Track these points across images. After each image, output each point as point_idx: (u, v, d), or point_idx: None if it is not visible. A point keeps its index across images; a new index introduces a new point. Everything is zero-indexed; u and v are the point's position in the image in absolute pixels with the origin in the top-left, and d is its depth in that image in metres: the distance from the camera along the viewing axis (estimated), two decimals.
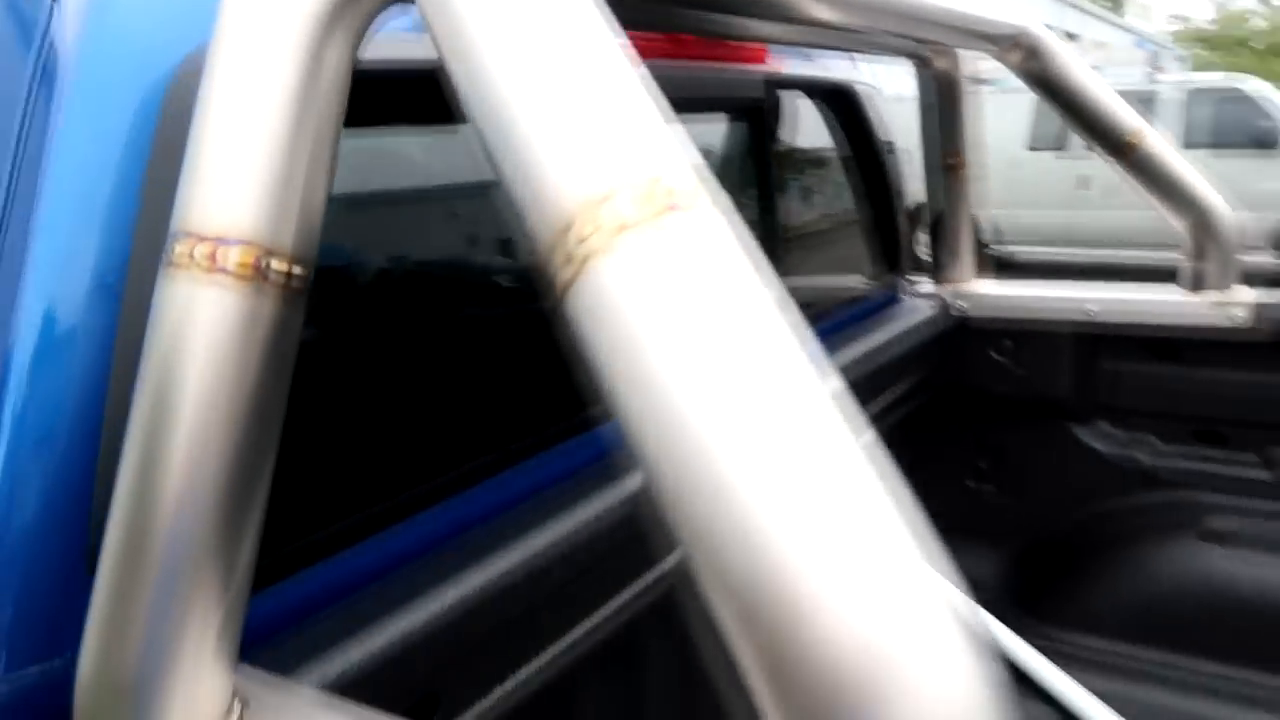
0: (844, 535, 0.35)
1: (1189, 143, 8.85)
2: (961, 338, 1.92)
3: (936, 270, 1.99)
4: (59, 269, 0.64)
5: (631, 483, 0.99)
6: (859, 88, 1.84)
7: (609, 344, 0.39)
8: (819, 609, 0.35)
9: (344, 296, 0.92)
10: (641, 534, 0.71)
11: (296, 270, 0.57)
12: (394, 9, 0.60)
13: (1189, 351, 1.78)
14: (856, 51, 1.72)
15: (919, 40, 1.60)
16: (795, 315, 0.40)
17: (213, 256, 0.55)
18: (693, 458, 0.37)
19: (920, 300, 1.93)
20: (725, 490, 0.36)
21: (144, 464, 0.56)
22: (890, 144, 1.91)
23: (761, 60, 1.48)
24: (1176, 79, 9.22)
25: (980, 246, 2.07)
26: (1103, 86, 1.62)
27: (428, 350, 1.00)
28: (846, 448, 0.37)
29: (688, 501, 0.37)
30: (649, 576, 1.06)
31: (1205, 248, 1.71)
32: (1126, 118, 1.61)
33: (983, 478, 1.99)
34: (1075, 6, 26.33)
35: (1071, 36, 25.95)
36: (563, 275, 0.41)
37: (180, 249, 0.55)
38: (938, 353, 1.87)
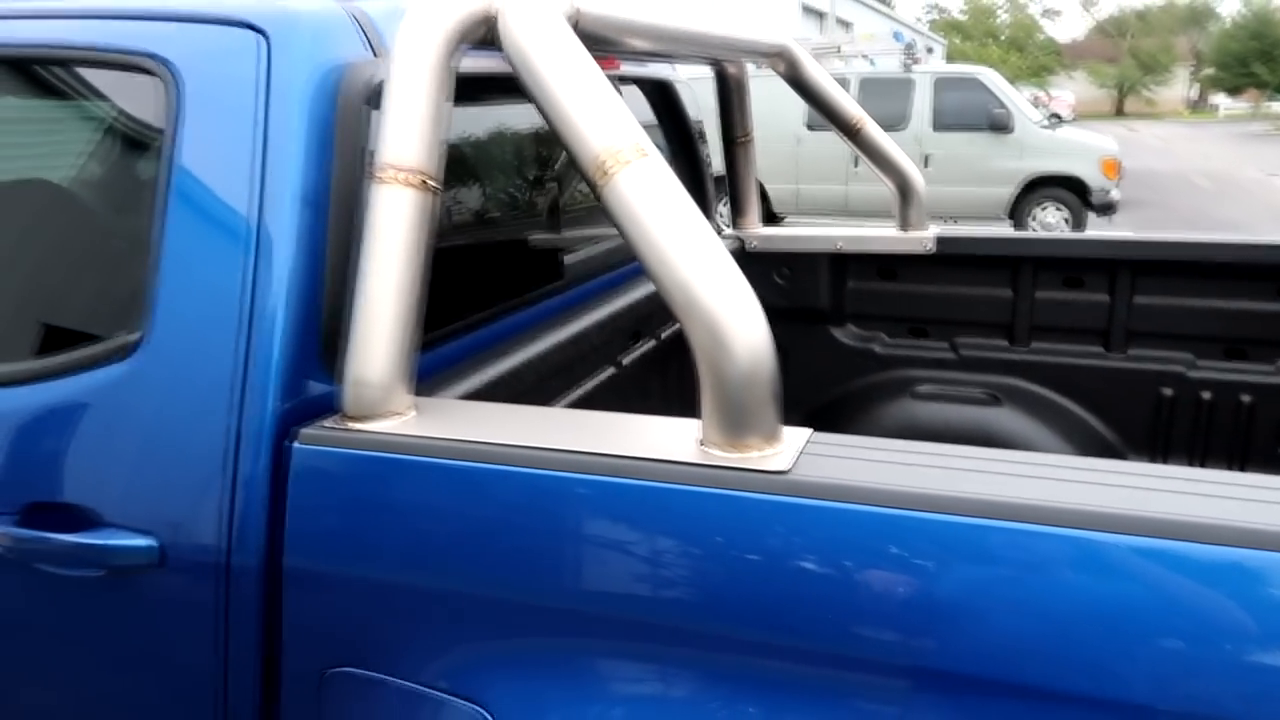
0: (718, 281, 1.03)
1: (938, 124, 10.30)
2: (753, 265, 2.67)
3: (734, 218, 2.73)
4: (294, 194, 1.21)
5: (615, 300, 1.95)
6: (675, 82, 2.53)
7: (624, 212, 1.05)
8: (705, 302, 1.02)
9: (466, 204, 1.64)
10: (626, 325, 1.78)
11: (439, 185, 1.18)
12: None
13: (901, 271, 2.61)
14: (679, 61, 2.39)
15: (718, 55, 2.29)
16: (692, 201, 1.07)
17: (406, 179, 1.15)
18: (667, 262, 1.03)
19: (725, 239, 2.66)
20: (683, 274, 1.03)
21: (371, 281, 1.15)
22: (700, 124, 2.62)
23: (613, 65, 2.14)
24: (927, 69, 10.59)
25: (775, 219, 2.83)
26: (835, 86, 2.38)
27: (513, 231, 1.80)
28: (719, 253, 1.04)
29: (670, 279, 1.03)
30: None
31: (907, 200, 2.53)
32: (852, 109, 2.39)
33: None
34: None
35: (845, 24, 28.20)
36: (600, 182, 1.06)
37: (388, 173, 1.15)
38: None
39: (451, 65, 1.20)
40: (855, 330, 2.72)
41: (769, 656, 0.98)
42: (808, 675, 0.97)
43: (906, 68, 10.49)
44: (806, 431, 1.09)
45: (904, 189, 2.50)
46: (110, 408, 1.23)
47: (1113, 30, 61.62)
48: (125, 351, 1.23)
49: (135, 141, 1.31)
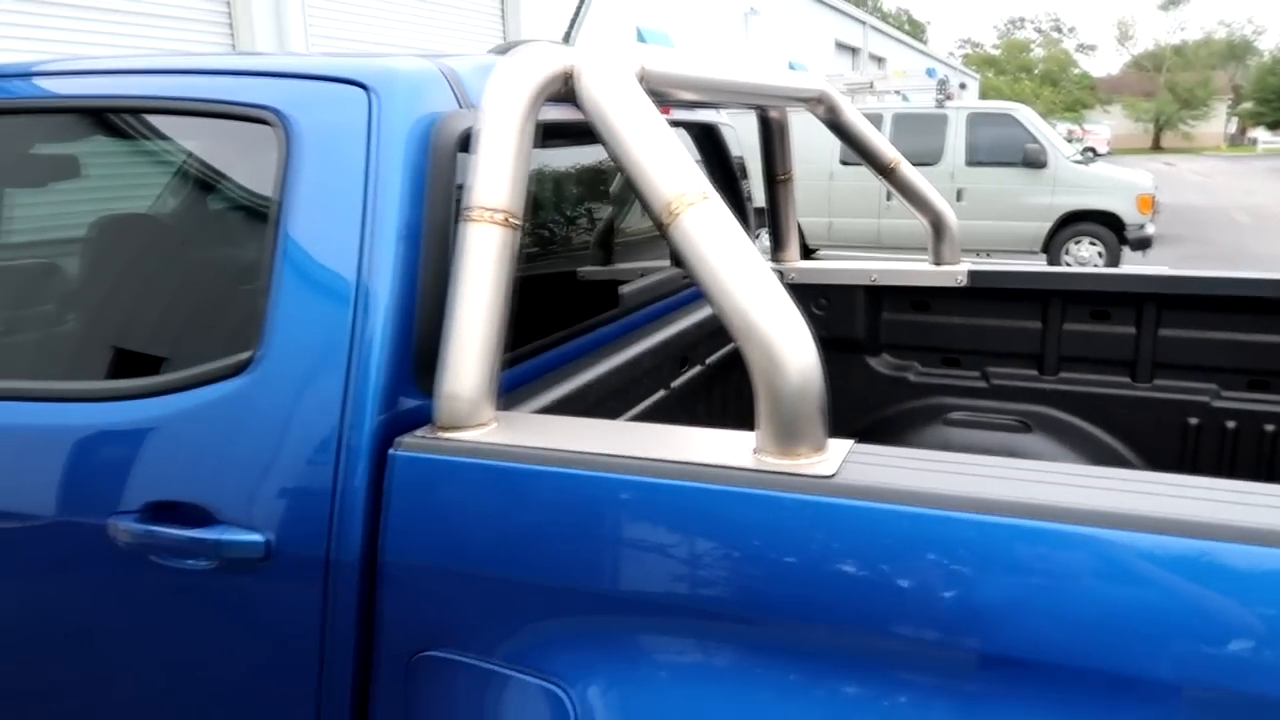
0: (773, 309, 1.17)
1: (971, 160, 10.41)
2: (791, 297, 2.81)
3: (773, 251, 2.87)
4: (391, 229, 1.37)
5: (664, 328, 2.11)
6: (720, 125, 2.69)
7: (689, 247, 1.20)
8: (762, 327, 1.16)
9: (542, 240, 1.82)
10: (675, 352, 1.93)
11: (521, 223, 1.34)
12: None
13: (934, 304, 2.74)
14: (724, 107, 2.56)
15: (763, 102, 2.44)
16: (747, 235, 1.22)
17: (493, 218, 1.31)
18: (728, 292, 1.17)
19: None
20: (742, 302, 1.17)
21: (461, 308, 1.30)
22: (741, 161, 2.77)
23: (666, 112, 2.30)
24: (960, 105, 10.73)
25: (808, 251, 2.98)
26: (871, 128, 2.53)
27: (588, 263, 1.99)
28: (773, 284, 1.18)
29: (730, 307, 1.18)
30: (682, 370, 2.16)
31: (940, 236, 2.66)
32: (888, 150, 2.53)
33: None
34: (885, 34, 28.91)
35: (878, 60, 28.46)
36: (668, 222, 1.21)
37: (477, 212, 1.31)
38: None
39: (534, 117, 1.36)
40: (890, 359, 2.84)
41: (812, 634, 1.11)
42: (848, 649, 1.10)
43: (940, 103, 10.63)
44: (850, 442, 1.22)
45: (937, 225, 2.63)
46: (228, 418, 1.39)
47: (1149, 65, 61.45)
48: (242, 369, 1.39)
49: (253, 183, 1.48)
